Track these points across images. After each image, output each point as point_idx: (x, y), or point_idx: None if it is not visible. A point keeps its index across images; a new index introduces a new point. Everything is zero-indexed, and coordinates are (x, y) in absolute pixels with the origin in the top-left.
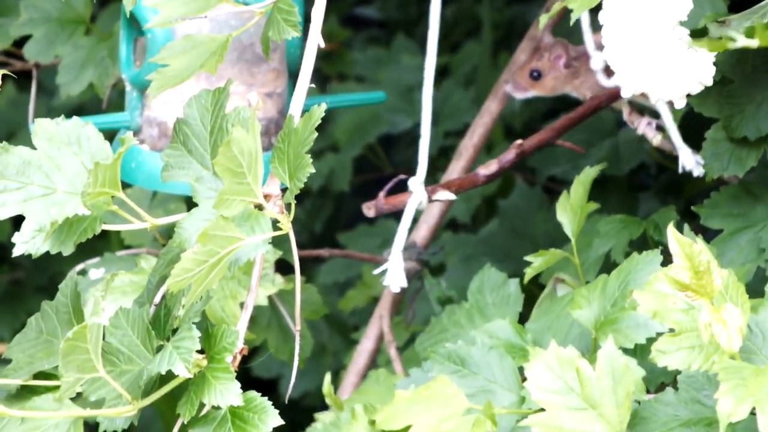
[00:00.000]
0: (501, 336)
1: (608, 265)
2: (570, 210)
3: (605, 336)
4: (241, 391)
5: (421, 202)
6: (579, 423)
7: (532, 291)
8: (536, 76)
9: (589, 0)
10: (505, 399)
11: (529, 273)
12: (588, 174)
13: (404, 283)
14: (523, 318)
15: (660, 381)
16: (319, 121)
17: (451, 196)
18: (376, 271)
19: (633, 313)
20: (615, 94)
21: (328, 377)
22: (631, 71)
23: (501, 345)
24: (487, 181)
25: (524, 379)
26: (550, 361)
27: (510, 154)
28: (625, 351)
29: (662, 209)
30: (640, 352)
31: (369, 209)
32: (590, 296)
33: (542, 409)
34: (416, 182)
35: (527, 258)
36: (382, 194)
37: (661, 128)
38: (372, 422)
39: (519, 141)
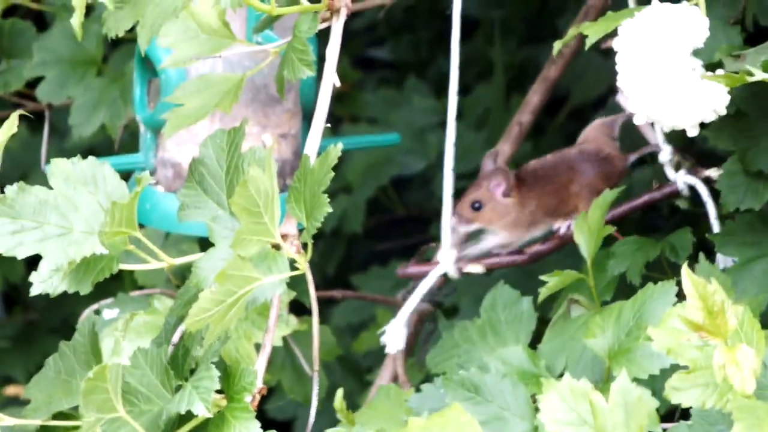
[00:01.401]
0: (514, 362)
1: (623, 286)
2: (587, 232)
3: (619, 365)
4: (261, 431)
5: (450, 272)
6: None
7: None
8: (477, 207)
9: (604, 26)
10: (517, 427)
11: (543, 293)
12: (605, 197)
13: (401, 346)
14: (535, 336)
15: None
16: (335, 161)
17: (481, 270)
18: (380, 332)
19: (647, 343)
20: (672, 193)
21: (340, 392)
22: (645, 98)
23: (514, 371)
24: (529, 261)
25: (537, 408)
26: (564, 393)
27: (552, 243)
28: (639, 381)
29: (678, 231)
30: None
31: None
32: (604, 325)
33: None
34: (443, 254)
35: (542, 277)
36: (413, 260)
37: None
38: None
39: (567, 224)
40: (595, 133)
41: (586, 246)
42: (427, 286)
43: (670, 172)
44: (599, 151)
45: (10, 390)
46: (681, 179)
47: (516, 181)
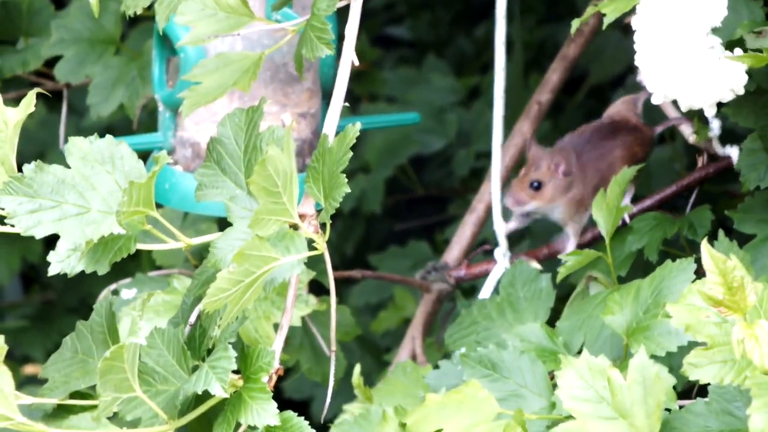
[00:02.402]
0: (532, 339)
1: (641, 262)
2: (605, 209)
3: (637, 343)
4: (278, 411)
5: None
6: None
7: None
8: (536, 186)
9: (622, 5)
10: (535, 404)
11: (562, 272)
12: (625, 174)
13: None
14: (554, 313)
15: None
16: (354, 141)
17: (537, 266)
18: None
19: (665, 320)
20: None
21: (357, 368)
22: (662, 77)
23: (532, 349)
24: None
25: (555, 385)
26: (582, 370)
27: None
28: (656, 358)
29: (697, 208)
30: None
31: (450, 277)
32: (623, 302)
33: (572, 417)
34: (501, 253)
35: (561, 256)
36: (465, 262)
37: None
38: (402, 425)
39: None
40: (619, 108)
41: (604, 224)
42: (493, 283)
43: (718, 146)
44: (628, 121)
45: (29, 369)
46: (735, 152)
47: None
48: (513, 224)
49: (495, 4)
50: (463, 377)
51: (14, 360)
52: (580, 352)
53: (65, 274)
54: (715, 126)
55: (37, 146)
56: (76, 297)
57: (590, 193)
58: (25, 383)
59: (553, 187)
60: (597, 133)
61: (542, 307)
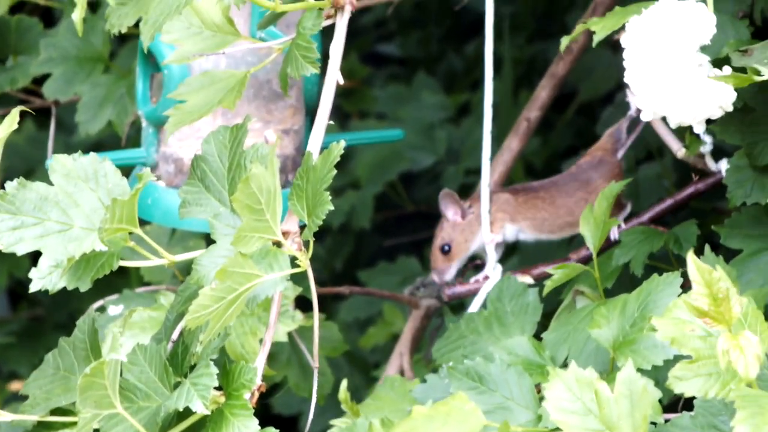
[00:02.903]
0: (519, 353)
1: (627, 274)
2: (593, 223)
3: (623, 356)
4: (260, 427)
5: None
6: None
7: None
8: (447, 249)
9: (612, 22)
10: (521, 416)
11: (548, 285)
12: (612, 189)
13: None
14: (541, 327)
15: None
16: (338, 159)
17: (529, 281)
18: None
19: (651, 334)
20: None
21: (344, 383)
22: (652, 94)
23: (519, 362)
24: None
25: (541, 397)
26: (570, 382)
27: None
28: (642, 372)
29: (684, 223)
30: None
31: (445, 295)
32: (609, 315)
33: (559, 429)
34: (491, 267)
35: (548, 270)
36: (458, 279)
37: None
38: None
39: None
40: (602, 142)
41: (591, 238)
42: (483, 298)
43: (711, 162)
44: (592, 158)
45: (15, 386)
46: (725, 166)
47: (513, 194)
48: (500, 237)
49: (485, 22)
50: (449, 391)
51: (0, 377)
52: (565, 364)
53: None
54: (708, 141)
55: (27, 163)
56: (64, 313)
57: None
58: (11, 400)
59: (461, 237)
60: (564, 180)
61: (529, 321)
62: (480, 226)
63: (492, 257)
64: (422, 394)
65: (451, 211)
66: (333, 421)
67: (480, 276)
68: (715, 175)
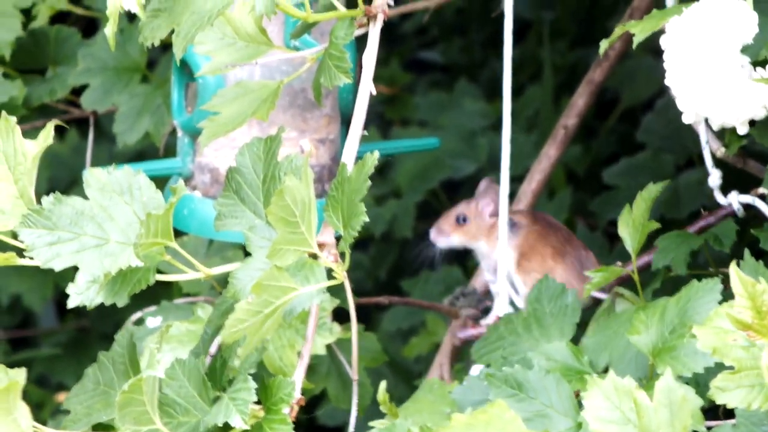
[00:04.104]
0: (558, 358)
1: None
2: (632, 226)
3: (663, 363)
4: None
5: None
6: None
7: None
8: (462, 220)
9: (651, 24)
10: (561, 424)
11: (587, 289)
12: (651, 190)
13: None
14: (579, 328)
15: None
16: (373, 169)
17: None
18: None
19: (692, 341)
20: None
21: (383, 384)
22: (693, 96)
23: (558, 368)
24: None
25: (581, 404)
26: (608, 391)
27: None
28: (682, 378)
29: (722, 223)
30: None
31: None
32: (648, 322)
33: None
34: (504, 305)
35: (587, 273)
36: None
37: None
38: None
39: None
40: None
41: (630, 240)
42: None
43: (720, 196)
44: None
45: (61, 397)
46: (735, 200)
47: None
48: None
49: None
50: (488, 392)
51: (48, 388)
52: (605, 370)
53: None
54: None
55: (71, 173)
56: (109, 324)
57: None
58: (58, 412)
59: (477, 225)
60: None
61: (568, 322)
62: (490, 245)
63: (504, 298)
64: (461, 395)
65: (484, 202)
66: (372, 423)
67: (490, 318)
68: (726, 208)
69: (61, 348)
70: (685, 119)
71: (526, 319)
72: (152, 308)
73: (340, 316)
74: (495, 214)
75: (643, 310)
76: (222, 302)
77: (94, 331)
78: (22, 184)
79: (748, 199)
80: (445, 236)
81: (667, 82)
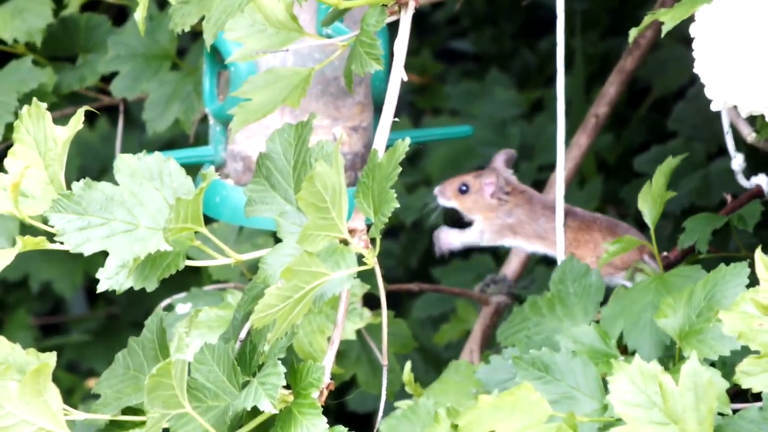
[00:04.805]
0: (585, 341)
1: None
2: (651, 199)
3: (690, 346)
4: (328, 426)
5: None
6: None
7: None
8: (463, 190)
9: (680, 12)
10: (587, 406)
11: (603, 259)
12: (669, 163)
13: None
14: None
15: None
16: (404, 156)
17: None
18: None
19: (718, 324)
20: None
21: (408, 365)
22: (722, 83)
23: (585, 351)
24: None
25: (607, 387)
26: (634, 375)
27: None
28: (708, 361)
29: (749, 204)
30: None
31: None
32: (676, 305)
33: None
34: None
35: (604, 245)
36: None
37: None
38: (455, 426)
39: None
40: None
41: (649, 213)
42: None
43: (742, 179)
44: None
45: (92, 383)
46: (765, 181)
47: (520, 193)
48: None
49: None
50: (512, 372)
51: (79, 374)
52: (624, 347)
53: (129, 288)
54: (740, 159)
55: (101, 161)
56: (140, 311)
57: (529, 230)
58: (88, 398)
59: (474, 200)
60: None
61: (592, 302)
62: (485, 221)
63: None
64: (486, 375)
65: (488, 181)
66: (398, 403)
67: None
68: (749, 191)
69: (91, 335)
70: (714, 107)
71: (550, 299)
72: (182, 295)
73: (370, 302)
74: (495, 195)
75: (670, 294)
76: (252, 287)
77: (124, 319)
78: (52, 170)
79: None
80: (445, 198)
81: (696, 69)
